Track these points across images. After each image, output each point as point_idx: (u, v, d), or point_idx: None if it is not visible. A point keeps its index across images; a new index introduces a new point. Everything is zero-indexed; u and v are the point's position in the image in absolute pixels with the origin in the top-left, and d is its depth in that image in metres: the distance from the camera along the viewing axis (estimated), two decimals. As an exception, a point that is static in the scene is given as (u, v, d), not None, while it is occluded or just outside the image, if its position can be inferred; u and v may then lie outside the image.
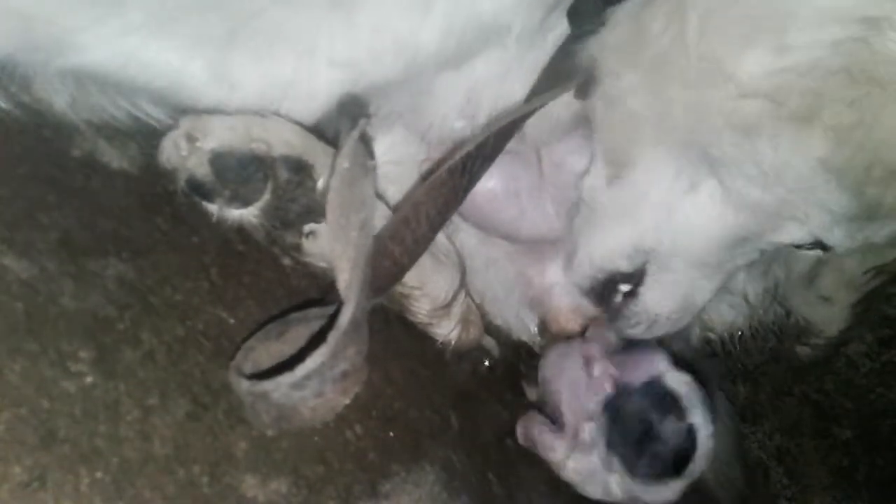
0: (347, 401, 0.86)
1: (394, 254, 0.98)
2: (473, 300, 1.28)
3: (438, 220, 1.03)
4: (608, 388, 1.11)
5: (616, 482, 1.09)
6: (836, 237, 1.02)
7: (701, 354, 1.40)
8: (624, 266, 1.13)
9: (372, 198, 0.94)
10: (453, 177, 1.00)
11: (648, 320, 1.17)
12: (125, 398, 0.76)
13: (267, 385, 0.80)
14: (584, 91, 1.06)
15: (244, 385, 0.81)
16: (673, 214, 1.06)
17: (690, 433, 1.07)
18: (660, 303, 1.15)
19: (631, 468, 1.07)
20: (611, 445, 1.08)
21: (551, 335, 1.33)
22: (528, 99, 1.06)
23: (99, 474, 0.71)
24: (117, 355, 0.78)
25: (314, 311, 0.93)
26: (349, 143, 0.91)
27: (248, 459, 0.82)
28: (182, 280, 0.90)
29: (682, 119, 0.97)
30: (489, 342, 1.31)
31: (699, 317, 1.36)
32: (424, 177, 1.05)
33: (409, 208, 0.98)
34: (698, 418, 1.07)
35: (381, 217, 1.03)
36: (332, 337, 0.82)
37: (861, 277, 1.14)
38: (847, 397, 1.76)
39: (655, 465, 1.07)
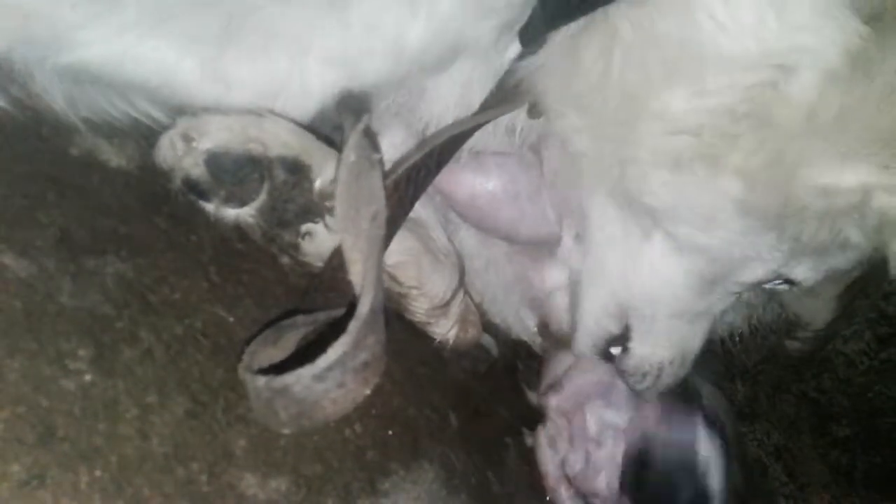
0: (368, 391, 0.85)
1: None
2: (473, 300, 1.28)
3: (389, 233, 1.02)
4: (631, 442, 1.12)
5: None
6: (799, 272, 1.06)
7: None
8: (612, 327, 1.16)
9: (381, 190, 0.94)
10: (398, 189, 1.01)
11: (651, 373, 1.18)
12: (124, 396, 0.76)
13: (288, 378, 0.79)
14: (534, 112, 1.08)
15: (261, 382, 0.80)
16: (636, 267, 1.09)
17: (706, 498, 1.09)
18: (654, 353, 1.16)
19: None
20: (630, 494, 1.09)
21: (550, 335, 1.33)
22: (477, 113, 1.06)
23: (98, 472, 0.70)
24: (116, 354, 0.78)
25: (300, 318, 0.93)
26: (354, 136, 0.92)
27: (248, 458, 0.82)
28: (180, 279, 0.90)
29: (614, 160, 0.99)
30: (488, 341, 1.32)
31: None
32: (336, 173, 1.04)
33: (345, 204, 0.96)
34: (716, 483, 1.09)
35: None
36: (353, 326, 0.82)
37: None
38: (845, 395, 1.76)
39: None
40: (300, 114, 0.99)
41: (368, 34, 0.92)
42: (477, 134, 1.08)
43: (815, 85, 0.86)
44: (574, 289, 1.19)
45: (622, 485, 1.10)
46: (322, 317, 0.93)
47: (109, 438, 0.73)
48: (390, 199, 0.99)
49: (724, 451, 1.11)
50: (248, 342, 0.88)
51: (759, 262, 1.03)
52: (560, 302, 1.29)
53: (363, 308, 0.84)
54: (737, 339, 1.40)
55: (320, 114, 1.00)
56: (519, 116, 1.10)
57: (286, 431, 0.84)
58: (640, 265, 1.08)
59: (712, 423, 1.14)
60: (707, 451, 1.10)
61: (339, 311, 0.94)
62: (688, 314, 1.13)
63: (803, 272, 1.06)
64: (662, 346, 1.15)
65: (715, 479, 1.09)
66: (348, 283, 0.93)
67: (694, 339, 1.17)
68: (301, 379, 0.79)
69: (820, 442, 1.79)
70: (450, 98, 1.06)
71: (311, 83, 0.95)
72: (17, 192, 0.84)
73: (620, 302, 1.13)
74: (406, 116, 1.10)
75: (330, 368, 0.80)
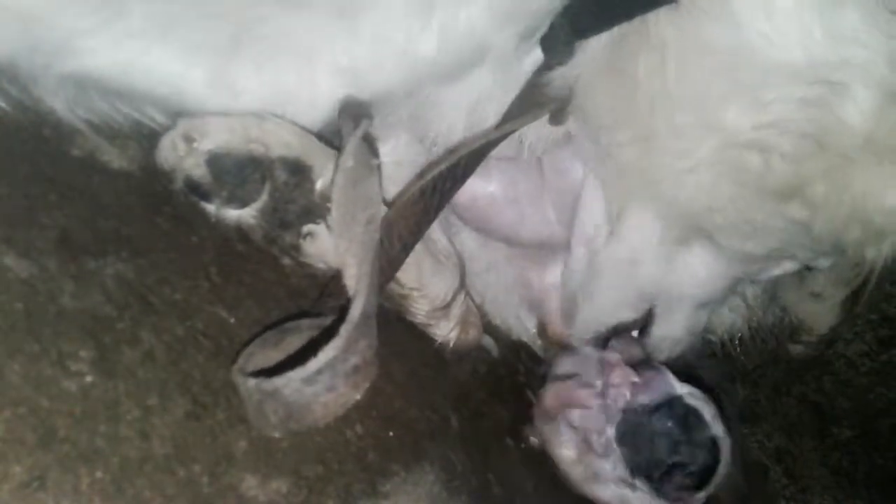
0: (359, 396, 0.85)
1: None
2: (473, 301, 1.28)
3: (411, 241, 1.03)
4: (626, 396, 1.11)
5: (636, 498, 1.10)
6: (825, 263, 1.09)
7: (700, 356, 1.40)
8: (628, 315, 1.17)
9: (378, 195, 0.94)
10: (424, 197, 1.01)
11: (664, 350, 1.22)
12: (125, 398, 0.76)
13: (277, 381, 0.79)
14: (557, 118, 1.08)
15: (251, 384, 0.80)
16: (670, 267, 1.10)
17: (714, 447, 1.08)
18: (669, 335, 1.20)
19: (657, 489, 1.08)
20: (635, 469, 1.08)
21: (550, 337, 1.33)
22: (501, 123, 1.06)
23: (99, 474, 0.70)
24: (117, 355, 0.78)
25: (306, 321, 0.93)
26: (353, 142, 0.91)
27: (249, 459, 0.82)
28: (182, 279, 0.89)
29: (668, 172, 0.99)
30: (489, 342, 1.31)
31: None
32: (395, 198, 1.05)
33: (382, 229, 0.98)
34: (719, 431, 1.08)
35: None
36: (345, 329, 0.82)
37: (851, 273, 1.15)
38: (846, 397, 1.76)
39: (683, 484, 1.08)
40: (308, 124, 0.99)
41: (378, 44, 0.91)
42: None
43: (871, 107, 0.84)
44: (587, 275, 1.19)
45: (630, 467, 1.09)
46: (328, 322, 0.93)
47: (110, 440, 0.73)
48: (415, 207, 1.00)
49: (712, 402, 1.11)
50: (247, 343, 0.88)
51: (796, 260, 1.06)
52: (559, 304, 1.29)
53: (354, 312, 0.84)
54: (737, 341, 1.40)
55: (329, 125, 1.00)
56: (529, 126, 1.10)
57: (276, 435, 0.84)
58: (675, 265, 1.09)
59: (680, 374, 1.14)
60: (695, 401, 1.10)
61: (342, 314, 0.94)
62: (711, 304, 1.17)
63: (827, 263, 1.09)
64: (680, 328, 1.19)
65: (718, 427, 1.08)
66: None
67: (705, 316, 1.21)
68: (291, 382, 0.79)
69: (821, 444, 1.79)
70: (462, 109, 1.05)
71: (319, 94, 0.95)
72: (17, 193, 0.84)
73: (644, 294, 1.14)
74: (414, 127, 1.09)
75: (320, 372, 0.80)
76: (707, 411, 1.09)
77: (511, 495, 1.15)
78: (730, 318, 1.39)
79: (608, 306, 1.17)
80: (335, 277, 0.98)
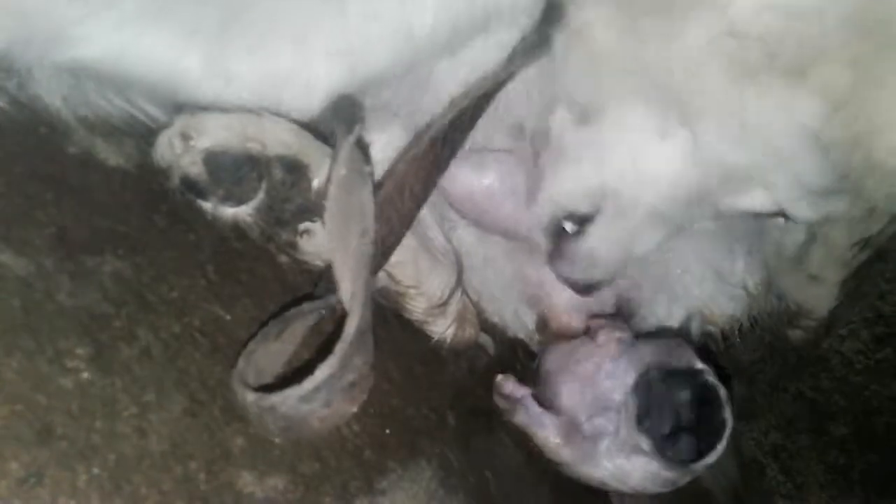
0: (355, 409, 0.86)
1: (380, 235, 0.96)
2: (470, 298, 1.28)
3: (423, 195, 1.02)
4: (638, 369, 1.12)
5: (636, 463, 1.10)
6: (800, 209, 0.97)
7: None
8: (583, 206, 1.08)
9: (370, 206, 0.94)
10: (434, 149, 0.99)
11: (588, 263, 1.12)
12: (122, 395, 0.76)
13: (274, 399, 0.80)
14: (548, 22, 1.00)
15: (250, 398, 0.81)
16: (638, 161, 1.01)
17: (722, 427, 1.09)
18: (603, 248, 1.10)
19: (661, 450, 1.08)
20: (642, 424, 1.09)
21: (550, 333, 1.33)
22: (506, 65, 1.02)
23: (96, 470, 0.71)
24: (114, 352, 0.78)
25: (307, 305, 0.93)
26: (345, 148, 0.91)
27: (245, 456, 0.82)
28: (178, 277, 0.90)
29: (658, 57, 0.91)
30: (486, 340, 1.32)
31: (699, 310, 1.36)
32: (402, 153, 1.02)
33: (393, 186, 0.97)
34: (729, 415, 1.09)
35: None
36: (339, 349, 0.82)
37: (848, 253, 1.13)
38: (842, 394, 1.76)
39: (688, 453, 1.09)
40: (306, 108, 0.98)
41: (368, 22, 0.90)
42: (479, 134, 1.07)
43: None
44: (554, 157, 1.10)
45: (638, 419, 1.10)
46: (332, 300, 0.93)
47: (107, 437, 0.73)
48: (425, 160, 0.98)
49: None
50: (245, 343, 0.87)
51: (768, 191, 0.96)
52: (559, 298, 1.29)
53: (349, 329, 0.84)
54: (737, 332, 1.40)
55: (325, 108, 0.98)
56: (529, 115, 1.08)
57: (277, 440, 0.85)
58: (644, 158, 1.00)
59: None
60: (715, 380, 1.11)
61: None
62: (661, 219, 1.06)
63: (803, 210, 0.97)
64: (617, 242, 1.09)
65: (728, 411, 1.09)
66: None
67: (645, 245, 1.09)
68: (287, 399, 0.80)
69: (817, 441, 1.79)
70: (455, 90, 1.03)
71: (314, 77, 0.94)
72: (14, 191, 0.84)
73: (605, 184, 1.05)
74: (411, 115, 1.08)
75: (317, 390, 0.81)
76: (722, 393, 1.11)
77: (508, 492, 1.15)
78: (731, 309, 1.38)
79: (567, 191, 1.08)
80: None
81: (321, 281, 0.99)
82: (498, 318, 1.36)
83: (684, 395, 1.10)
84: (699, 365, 1.12)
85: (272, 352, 0.89)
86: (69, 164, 0.92)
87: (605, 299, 1.29)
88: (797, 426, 1.80)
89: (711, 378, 1.11)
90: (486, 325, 1.32)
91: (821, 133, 0.84)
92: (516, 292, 1.34)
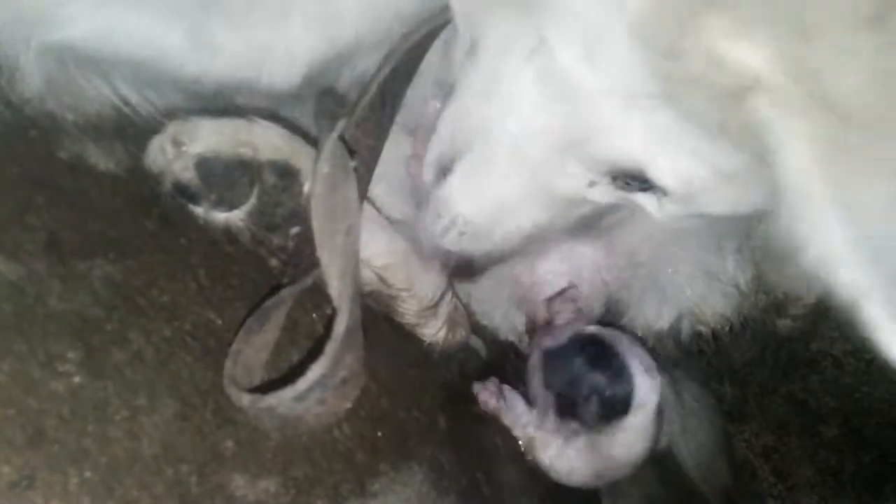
0: (349, 404, 0.88)
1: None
2: (461, 300, 1.29)
3: (379, 146, 1.00)
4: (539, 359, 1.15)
5: (577, 448, 1.11)
6: (661, 169, 0.82)
7: (686, 352, 1.41)
8: (450, 148, 0.98)
9: (355, 201, 0.94)
10: (374, 110, 0.98)
11: (449, 224, 1.00)
12: (113, 398, 0.76)
13: (270, 400, 0.81)
14: None
15: (246, 400, 0.82)
16: (501, 89, 0.90)
17: (627, 375, 1.09)
18: (460, 199, 0.98)
19: (584, 419, 1.10)
20: (562, 411, 1.10)
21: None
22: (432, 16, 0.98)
23: (87, 474, 0.71)
24: (105, 356, 0.79)
25: (286, 291, 0.94)
26: (328, 145, 0.92)
27: (237, 459, 0.82)
28: (169, 281, 0.90)
29: None
30: (476, 342, 1.32)
31: (690, 310, 1.35)
32: (348, 116, 0.97)
33: (350, 144, 0.96)
34: (634, 362, 1.09)
35: (371, 221, 1.04)
36: (330, 348, 0.84)
37: None
38: (833, 396, 1.77)
39: (607, 410, 1.09)
40: (286, 80, 0.96)
41: None
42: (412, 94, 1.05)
43: None
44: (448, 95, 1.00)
45: (558, 408, 1.12)
46: (307, 282, 0.94)
47: (99, 440, 0.73)
48: (368, 123, 0.96)
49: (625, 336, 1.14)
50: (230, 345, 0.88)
51: (624, 135, 0.82)
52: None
53: (339, 328, 0.85)
54: (728, 332, 1.39)
55: (307, 79, 0.97)
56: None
57: (275, 437, 0.87)
58: (507, 91, 0.89)
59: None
60: (595, 330, 1.12)
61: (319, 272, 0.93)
62: (529, 167, 0.93)
63: (665, 172, 0.82)
64: (480, 192, 0.97)
65: (626, 355, 1.09)
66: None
67: (525, 215, 0.98)
68: (283, 401, 0.82)
69: (808, 443, 1.80)
70: (431, 69, 1.02)
71: (294, 47, 0.93)
72: (5, 196, 0.84)
73: (472, 120, 0.95)
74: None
75: (310, 389, 0.83)
76: (621, 344, 1.11)
77: (499, 494, 1.15)
78: (722, 307, 1.37)
79: (445, 131, 0.97)
80: (299, 243, 0.99)
81: (289, 265, 1.00)
82: (488, 321, 1.36)
83: (579, 362, 1.11)
84: (586, 330, 1.13)
85: (258, 346, 0.90)
86: (60, 168, 0.92)
87: (591, 301, 1.29)
88: (788, 428, 1.80)
89: (602, 334, 1.12)
90: (476, 328, 1.33)
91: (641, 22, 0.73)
92: (506, 294, 1.34)
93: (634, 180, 0.87)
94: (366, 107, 0.97)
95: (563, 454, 1.12)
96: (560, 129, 0.87)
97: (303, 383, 0.82)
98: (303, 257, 0.97)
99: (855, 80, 0.64)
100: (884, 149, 0.65)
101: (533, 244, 1.14)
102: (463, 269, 1.15)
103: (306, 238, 0.95)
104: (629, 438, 1.11)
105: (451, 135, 0.97)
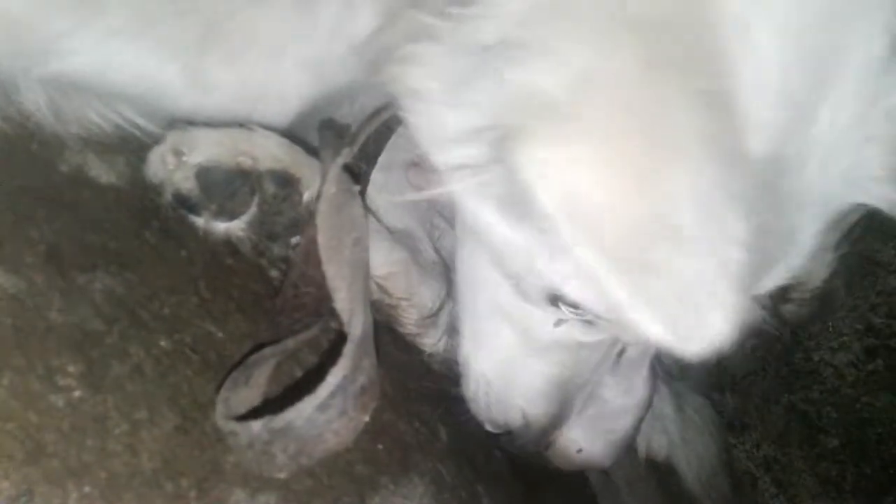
0: (367, 418, 0.83)
1: (318, 279, 0.93)
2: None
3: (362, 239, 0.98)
4: None
5: None
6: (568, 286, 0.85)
7: (687, 363, 1.40)
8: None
9: (362, 217, 0.95)
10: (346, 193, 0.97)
11: (478, 387, 1.09)
12: (113, 412, 0.76)
13: (289, 414, 0.77)
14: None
15: (257, 426, 0.77)
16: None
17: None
18: (477, 358, 1.08)
19: None
20: None
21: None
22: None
23: (87, 488, 0.71)
24: (105, 369, 0.78)
25: (268, 350, 0.89)
26: (334, 170, 0.93)
27: (237, 473, 0.82)
28: (170, 294, 0.90)
29: None
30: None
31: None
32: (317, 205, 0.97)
33: (327, 234, 0.94)
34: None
35: (372, 231, 1.04)
36: (349, 349, 0.82)
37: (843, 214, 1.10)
38: (833, 407, 1.77)
39: None
40: (279, 118, 0.99)
41: (333, 36, 0.91)
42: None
43: None
44: None
45: None
46: (291, 343, 0.90)
47: (98, 454, 0.73)
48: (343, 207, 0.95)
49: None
50: (218, 388, 0.84)
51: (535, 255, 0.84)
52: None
53: (355, 331, 0.84)
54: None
55: (299, 117, 1.00)
56: None
57: (282, 476, 0.81)
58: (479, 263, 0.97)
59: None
60: None
61: (309, 334, 0.92)
62: (509, 326, 1.00)
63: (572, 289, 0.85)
64: (485, 353, 1.06)
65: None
66: (313, 300, 0.93)
67: (529, 375, 1.04)
68: (303, 412, 0.78)
69: (809, 453, 1.80)
70: None
71: (287, 88, 0.95)
72: (6, 208, 0.84)
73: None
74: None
75: (332, 395, 0.79)
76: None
77: (500, 506, 1.15)
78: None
79: None
80: (283, 293, 0.96)
81: (272, 316, 0.96)
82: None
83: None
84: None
85: (242, 399, 0.85)
86: (61, 181, 0.92)
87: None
88: (789, 438, 1.80)
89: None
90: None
91: None
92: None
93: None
94: (336, 192, 0.96)
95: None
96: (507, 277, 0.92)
97: (324, 388, 0.78)
98: (298, 302, 0.95)
99: None
100: None
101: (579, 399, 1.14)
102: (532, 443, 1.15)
103: (302, 282, 0.94)
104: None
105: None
